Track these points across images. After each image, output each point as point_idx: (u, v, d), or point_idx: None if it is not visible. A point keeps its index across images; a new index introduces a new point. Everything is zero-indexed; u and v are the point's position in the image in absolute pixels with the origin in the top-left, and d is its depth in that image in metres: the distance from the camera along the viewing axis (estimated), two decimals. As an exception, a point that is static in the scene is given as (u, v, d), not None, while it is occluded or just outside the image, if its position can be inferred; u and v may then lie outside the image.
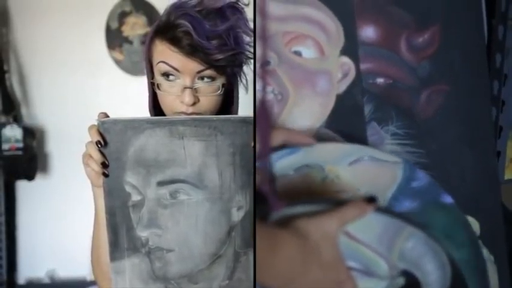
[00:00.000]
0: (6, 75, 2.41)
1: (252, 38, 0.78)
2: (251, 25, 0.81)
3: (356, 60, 0.64)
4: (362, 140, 0.64)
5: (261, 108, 0.54)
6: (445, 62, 0.67)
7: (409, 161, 0.65)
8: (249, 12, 0.80)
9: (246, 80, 0.86)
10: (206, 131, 0.70)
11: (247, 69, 0.84)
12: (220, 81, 0.81)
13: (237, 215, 0.72)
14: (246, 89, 0.87)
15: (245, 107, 0.86)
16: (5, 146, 2.30)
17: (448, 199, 0.66)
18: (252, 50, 0.79)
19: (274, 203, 0.58)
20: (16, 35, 2.47)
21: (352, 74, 0.64)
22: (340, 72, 0.64)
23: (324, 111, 0.64)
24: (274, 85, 0.62)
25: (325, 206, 0.59)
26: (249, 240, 0.72)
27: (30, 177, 2.41)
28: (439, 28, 0.66)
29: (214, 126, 0.70)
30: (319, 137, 0.64)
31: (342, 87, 0.64)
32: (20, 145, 2.31)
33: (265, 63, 0.61)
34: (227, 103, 0.86)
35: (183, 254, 0.73)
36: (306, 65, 0.63)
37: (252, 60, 0.79)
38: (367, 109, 0.65)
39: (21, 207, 2.53)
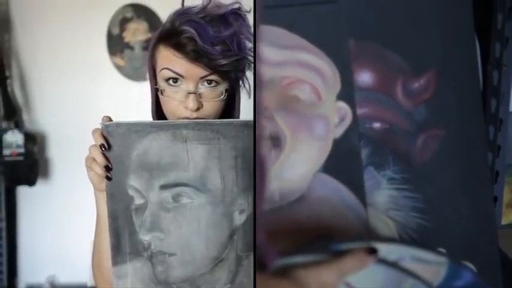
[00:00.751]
0: (8, 81, 2.41)
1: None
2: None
3: (353, 105, 0.64)
4: (359, 185, 0.65)
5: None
6: (440, 107, 0.67)
7: (455, 261, 0.65)
8: (250, 19, 0.81)
9: (249, 85, 0.87)
10: (209, 134, 0.70)
11: (250, 75, 0.85)
12: (223, 86, 0.81)
13: (239, 219, 0.72)
14: (249, 94, 0.87)
15: (246, 111, 0.87)
16: (6, 152, 2.30)
17: None
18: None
19: (268, 254, 0.58)
20: (18, 41, 2.47)
21: (349, 119, 0.65)
22: (337, 116, 0.64)
23: (321, 156, 0.64)
24: (271, 130, 0.62)
25: (325, 256, 0.59)
26: (251, 243, 0.73)
27: (31, 182, 2.41)
28: (434, 73, 0.66)
29: (216, 129, 0.70)
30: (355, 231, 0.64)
31: (339, 131, 0.64)
32: (21, 151, 2.31)
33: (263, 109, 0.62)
34: (229, 108, 0.87)
35: (185, 257, 0.73)
36: (303, 109, 0.64)
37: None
38: (364, 154, 0.65)
39: (22, 212, 2.53)
